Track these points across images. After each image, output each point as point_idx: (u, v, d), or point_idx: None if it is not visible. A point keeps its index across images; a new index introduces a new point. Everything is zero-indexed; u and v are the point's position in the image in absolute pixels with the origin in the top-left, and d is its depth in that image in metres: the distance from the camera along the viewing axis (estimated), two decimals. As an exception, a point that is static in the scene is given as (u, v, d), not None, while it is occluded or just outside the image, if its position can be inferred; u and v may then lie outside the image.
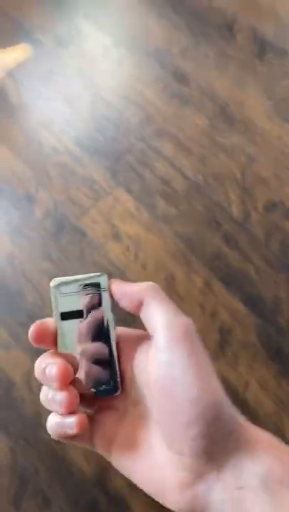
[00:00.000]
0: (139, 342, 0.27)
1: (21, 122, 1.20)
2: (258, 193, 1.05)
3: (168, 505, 0.24)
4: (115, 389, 0.27)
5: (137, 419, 0.26)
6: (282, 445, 0.24)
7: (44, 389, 0.27)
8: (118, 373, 0.27)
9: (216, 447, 0.23)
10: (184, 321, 0.25)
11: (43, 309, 1.00)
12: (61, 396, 0.25)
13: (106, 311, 0.27)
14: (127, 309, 0.27)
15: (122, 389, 0.27)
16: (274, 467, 0.22)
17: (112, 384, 0.27)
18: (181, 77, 1.19)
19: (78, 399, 0.26)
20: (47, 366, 0.26)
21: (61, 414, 0.25)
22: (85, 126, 1.16)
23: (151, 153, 1.13)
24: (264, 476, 0.22)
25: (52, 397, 0.26)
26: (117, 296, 0.27)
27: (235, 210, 1.04)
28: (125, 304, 0.27)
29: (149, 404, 0.26)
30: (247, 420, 0.25)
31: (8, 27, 1.34)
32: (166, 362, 0.24)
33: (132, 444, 0.26)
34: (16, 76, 1.26)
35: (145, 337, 0.27)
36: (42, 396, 0.27)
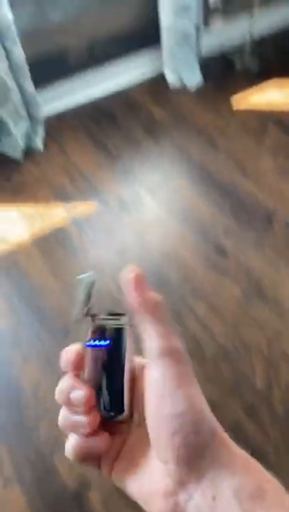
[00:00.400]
0: (144, 370, 0.30)
1: (78, 263, 1.36)
2: (282, 369, 1.09)
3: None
4: (124, 414, 0.30)
5: (139, 438, 0.29)
6: (256, 464, 0.27)
7: (65, 412, 0.29)
8: (128, 401, 0.30)
9: (197, 458, 0.26)
10: (177, 345, 0.28)
11: (54, 447, 0.98)
12: (86, 419, 0.28)
13: (125, 344, 0.30)
14: (130, 306, 0.29)
15: (130, 414, 0.30)
16: (246, 481, 0.25)
17: (121, 410, 0.30)
18: (221, 251, 1.35)
19: (99, 421, 0.29)
20: (72, 391, 0.29)
21: (85, 435, 0.28)
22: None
23: (185, 310, 1.22)
24: (237, 489, 0.25)
25: (75, 419, 0.29)
26: (126, 291, 0.29)
27: (259, 382, 1.07)
28: (130, 301, 0.29)
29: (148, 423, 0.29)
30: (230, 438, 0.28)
31: (82, 185, 1.61)
32: (157, 380, 0.27)
33: (131, 463, 0.29)
34: (81, 225, 1.47)
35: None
36: (62, 419, 0.29)
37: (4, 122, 1.59)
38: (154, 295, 0.30)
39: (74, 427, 0.29)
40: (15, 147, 1.66)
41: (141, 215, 1.50)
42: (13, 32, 1.49)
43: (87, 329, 0.30)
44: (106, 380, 0.30)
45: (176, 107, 1.93)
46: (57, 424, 0.29)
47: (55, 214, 1.53)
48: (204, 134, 1.77)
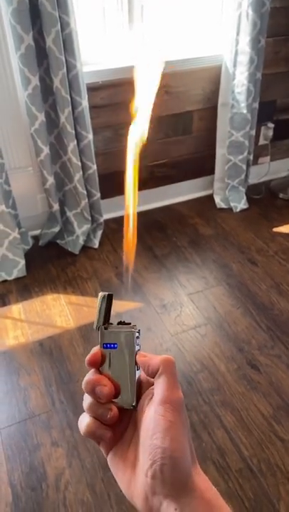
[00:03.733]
0: (150, 405, 0.36)
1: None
2: (309, 498, 1.06)
3: (136, 507, 0.34)
4: (133, 405, 0.37)
5: (136, 444, 0.36)
6: (219, 499, 0.33)
7: (90, 401, 0.36)
8: (135, 394, 0.37)
9: (169, 485, 0.32)
10: (178, 396, 0.35)
11: None
12: (110, 414, 0.36)
13: (132, 347, 0.38)
14: (146, 375, 0.37)
15: (136, 408, 0.37)
16: (204, 509, 0.32)
17: (131, 401, 0.37)
18: (253, 365, 1.40)
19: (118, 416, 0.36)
20: (98, 386, 0.36)
21: (104, 422, 0.36)
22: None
23: (214, 418, 1.25)
24: None
25: (100, 412, 0.36)
26: (141, 364, 0.37)
27: (283, 509, 1.05)
28: (145, 370, 0.37)
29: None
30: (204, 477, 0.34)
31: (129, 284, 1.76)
32: (155, 419, 0.34)
33: (124, 458, 0.36)
34: (123, 320, 1.58)
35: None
36: (87, 405, 0.36)
37: (70, 222, 1.82)
38: (168, 356, 0.37)
39: (96, 415, 0.36)
40: (75, 244, 1.86)
41: (180, 318, 1.60)
42: (91, 150, 1.78)
43: (104, 334, 0.38)
44: (118, 374, 0.38)
45: (220, 224, 2.13)
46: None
47: (101, 307, 1.65)
48: (245, 252, 1.93)
